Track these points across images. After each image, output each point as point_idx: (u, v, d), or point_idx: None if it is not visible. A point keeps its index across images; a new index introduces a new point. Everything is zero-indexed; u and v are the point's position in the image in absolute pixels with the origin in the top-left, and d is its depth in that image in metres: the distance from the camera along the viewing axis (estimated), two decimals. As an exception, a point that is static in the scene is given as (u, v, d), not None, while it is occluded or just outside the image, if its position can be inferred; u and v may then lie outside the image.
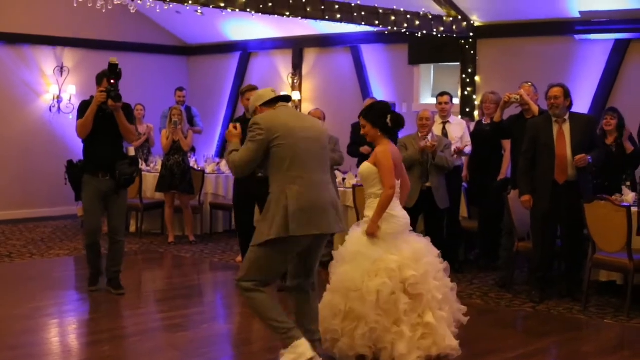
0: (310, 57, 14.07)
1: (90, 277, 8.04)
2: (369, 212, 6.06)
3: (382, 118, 6.11)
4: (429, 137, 8.85)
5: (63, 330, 7.11)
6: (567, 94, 7.82)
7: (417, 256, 6.01)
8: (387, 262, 5.85)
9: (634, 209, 7.49)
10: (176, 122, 11.05)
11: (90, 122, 7.60)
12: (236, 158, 5.39)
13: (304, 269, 5.61)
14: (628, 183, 8.59)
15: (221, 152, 14.63)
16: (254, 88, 8.51)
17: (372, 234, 5.91)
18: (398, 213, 6.10)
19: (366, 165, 6.15)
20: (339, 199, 5.72)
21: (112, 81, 7.54)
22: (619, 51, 10.54)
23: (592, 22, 10.55)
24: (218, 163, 12.39)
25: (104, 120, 7.64)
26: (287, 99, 5.78)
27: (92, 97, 7.77)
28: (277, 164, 5.31)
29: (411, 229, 6.37)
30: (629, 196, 8.11)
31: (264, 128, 5.29)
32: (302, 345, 5.30)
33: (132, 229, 12.06)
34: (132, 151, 8.08)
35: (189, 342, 6.63)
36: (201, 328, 7.19)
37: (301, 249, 5.41)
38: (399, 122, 6.17)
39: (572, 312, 7.57)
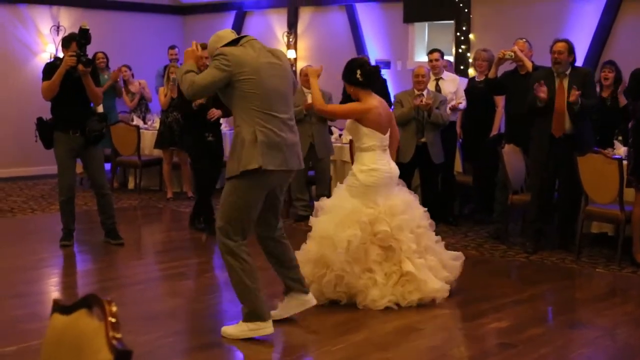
0: (305, 15, 14.13)
1: (64, 234, 8.14)
2: (355, 165, 6.32)
3: (353, 74, 6.25)
4: (424, 93, 8.98)
5: (68, 280, 7.28)
6: (571, 50, 7.90)
7: (392, 211, 6.22)
8: (361, 215, 6.11)
9: (625, 162, 7.64)
10: (174, 79, 11.11)
11: (57, 85, 7.63)
12: (195, 78, 5.26)
13: (272, 213, 5.56)
14: (620, 137, 8.73)
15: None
16: (206, 46, 8.72)
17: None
18: (380, 167, 6.24)
19: (349, 122, 6.37)
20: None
21: (83, 47, 7.57)
22: (612, 8, 10.62)
23: (585, -21, 10.63)
24: (214, 120, 12.46)
25: (72, 82, 7.66)
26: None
27: (56, 59, 7.83)
28: (245, 101, 5.24)
29: (402, 182, 6.56)
30: (621, 149, 8.26)
31: (231, 61, 5.20)
32: (269, 323, 5.36)
33: (131, 185, 12.20)
34: (100, 108, 8.17)
35: (192, 290, 6.80)
36: (203, 277, 7.37)
37: (270, 189, 5.39)
38: (369, 75, 6.28)
39: (564, 262, 7.75)
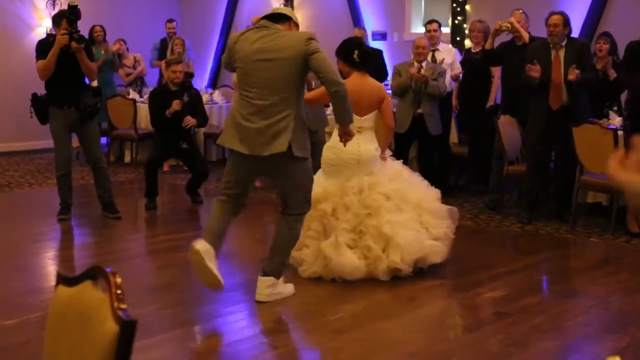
0: (301, -14, 14.10)
1: (61, 207, 8.17)
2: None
3: (350, 54, 6.31)
4: (424, 64, 9.00)
5: (66, 253, 7.34)
6: (566, 22, 7.93)
7: (342, 192, 6.28)
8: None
9: (620, 132, 7.69)
10: (180, 52, 11.12)
11: (53, 64, 7.63)
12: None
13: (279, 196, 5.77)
14: (615, 108, 8.77)
15: (213, 83, 14.74)
16: (180, 60, 9.16)
17: None
18: (347, 148, 6.07)
19: None
20: (291, 128, 5.38)
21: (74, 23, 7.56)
22: (609, -22, 10.63)
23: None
24: (211, 94, 12.49)
25: (66, 58, 7.65)
26: (276, 17, 5.60)
27: (49, 36, 7.84)
28: (237, 82, 5.66)
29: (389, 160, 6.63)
30: (616, 120, 8.31)
31: (229, 45, 5.57)
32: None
33: (127, 159, 12.22)
34: (95, 82, 8.19)
35: (189, 262, 6.84)
36: (201, 249, 7.41)
37: (244, 169, 5.55)
38: (366, 57, 6.35)
39: (559, 232, 7.83)
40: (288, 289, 5.78)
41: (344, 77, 6.25)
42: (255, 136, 5.36)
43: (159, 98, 8.91)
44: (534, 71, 7.76)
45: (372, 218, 6.19)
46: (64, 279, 2.23)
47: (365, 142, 6.38)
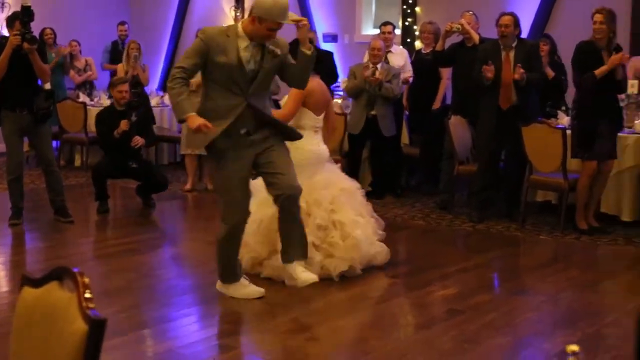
0: (251, -10, 14.08)
1: (13, 212, 8.08)
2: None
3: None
4: (379, 66, 9.09)
5: (19, 258, 7.26)
6: (516, 23, 8.11)
7: (313, 187, 6.28)
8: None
9: (569, 132, 7.84)
10: (136, 55, 11.07)
11: (5, 66, 7.56)
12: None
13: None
14: (563, 107, 8.93)
15: (163, 86, 14.66)
16: (125, 80, 9.11)
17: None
18: (310, 147, 6.31)
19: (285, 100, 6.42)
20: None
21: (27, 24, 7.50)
22: (556, -20, 10.81)
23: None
24: (162, 96, 12.46)
25: (18, 59, 7.59)
26: None
27: (1, 38, 7.79)
28: (214, 81, 5.39)
29: (332, 161, 6.70)
30: (564, 119, 8.47)
31: (204, 39, 5.33)
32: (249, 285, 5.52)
33: (78, 163, 12.13)
34: (47, 85, 8.13)
35: (144, 265, 6.85)
36: (154, 252, 7.41)
37: (243, 161, 5.49)
38: (318, 59, 6.42)
39: (509, 230, 7.96)
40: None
41: None
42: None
43: (106, 119, 8.82)
44: (489, 71, 7.89)
45: (336, 214, 6.28)
46: (28, 280, 2.25)
47: (322, 141, 6.49)
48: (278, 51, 5.39)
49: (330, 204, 6.32)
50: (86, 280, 2.01)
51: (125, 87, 8.93)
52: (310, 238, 5.98)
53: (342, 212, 6.32)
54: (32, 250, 7.69)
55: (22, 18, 7.52)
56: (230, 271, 5.69)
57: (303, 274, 5.66)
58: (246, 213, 5.57)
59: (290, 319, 5.36)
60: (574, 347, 1.85)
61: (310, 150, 6.34)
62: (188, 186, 10.02)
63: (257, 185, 6.03)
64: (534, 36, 10.59)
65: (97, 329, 1.93)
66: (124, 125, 8.63)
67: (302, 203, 6.07)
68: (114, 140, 8.66)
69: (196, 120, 5.22)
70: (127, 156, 8.76)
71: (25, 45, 7.49)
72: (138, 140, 8.73)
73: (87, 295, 1.98)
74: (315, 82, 6.34)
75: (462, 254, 7.37)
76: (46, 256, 7.24)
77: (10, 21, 7.74)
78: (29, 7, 7.52)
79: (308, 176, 6.29)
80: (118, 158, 8.76)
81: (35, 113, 7.77)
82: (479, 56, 8.15)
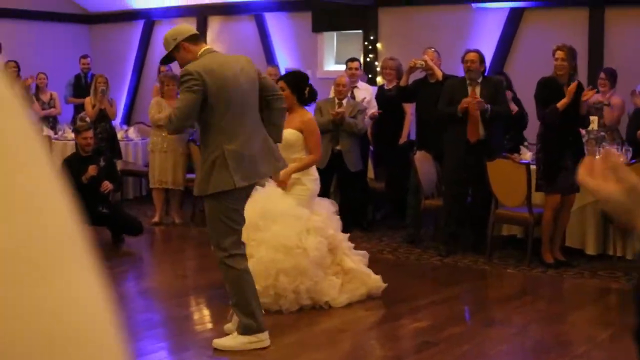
0: (214, 25, 14.18)
1: None
2: (303, 175, 6.49)
3: (302, 88, 6.47)
4: (344, 102, 9.19)
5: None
6: (482, 60, 8.30)
7: (328, 214, 6.59)
8: (314, 222, 6.39)
9: (533, 166, 7.98)
10: (103, 89, 11.03)
11: None
12: (175, 112, 5.18)
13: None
14: (526, 143, 9.09)
15: (127, 120, 14.66)
16: (89, 127, 9.07)
17: (283, 182, 6.31)
18: (317, 177, 6.60)
19: (292, 132, 6.32)
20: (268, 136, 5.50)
21: None
22: (514, 19, 11.03)
23: (488, -9, 11.02)
24: (126, 130, 12.43)
25: None
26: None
27: None
28: (213, 116, 5.12)
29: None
30: (527, 154, 8.61)
31: (198, 78, 5.02)
32: (265, 335, 5.40)
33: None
34: None
35: (115, 299, 6.78)
36: (126, 285, 7.42)
37: (247, 196, 5.44)
38: (313, 96, 6.63)
39: (477, 264, 8.05)
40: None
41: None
42: (260, 157, 5.32)
43: (73, 165, 8.64)
44: (466, 103, 8.02)
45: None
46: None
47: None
48: None
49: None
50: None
51: (90, 133, 8.86)
52: (350, 265, 6.54)
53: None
54: None
55: None
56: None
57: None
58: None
59: (266, 352, 5.36)
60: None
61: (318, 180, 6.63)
62: (156, 219, 10.00)
63: (276, 214, 6.22)
64: (493, 73, 10.77)
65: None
66: (92, 170, 8.50)
67: (332, 231, 6.50)
68: (82, 185, 8.49)
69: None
70: (96, 201, 8.60)
71: None
72: (107, 185, 8.62)
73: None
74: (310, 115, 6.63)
75: (432, 287, 7.44)
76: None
77: None
78: None
79: (319, 205, 6.65)
80: (87, 204, 8.61)
81: None
82: (444, 91, 8.30)
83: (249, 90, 5.30)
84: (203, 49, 5.27)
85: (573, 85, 7.68)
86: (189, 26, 5.58)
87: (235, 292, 5.30)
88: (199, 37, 5.40)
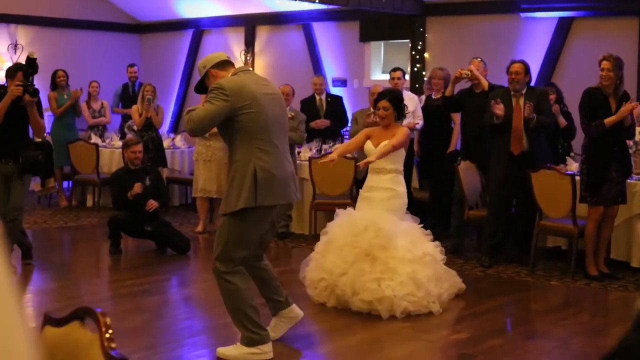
0: (262, 34, 14.28)
1: (22, 251, 7.98)
2: (398, 187, 6.85)
3: (402, 106, 6.85)
4: (287, 109, 9.14)
5: (36, 299, 7.29)
6: (527, 71, 8.19)
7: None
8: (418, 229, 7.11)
9: (578, 178, 7.88)
10: (150, 99, 11.15)
11: (2, 116, 7.43)
12: (194, 115, 5.11)
13: (261, 242, 5.54)
14: (572, 154, 8.99)
15: (175, 128, 14.81)
16: (139, 141, 9.12)
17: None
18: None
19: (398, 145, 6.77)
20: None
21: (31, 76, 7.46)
22: (563, 29, 10.92)
23: (537, 1, 10.91)
24: (173, 138, 12.56)
25: (14, 111, 7.48)
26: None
27: (1, 87, 7.72)
28: (245, 133, 5.12)
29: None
30: (573, 165, 8.51)
31: (229, 94, 5.05)
32: (269, 347, 5.37)
33: (89, 203, 12.18)
34: (38, 138, 8.03)
35: (158, 305, 6.87)
36: (167, 293, 7.47)
37: (270, 219, 5.39)
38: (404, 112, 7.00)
39: (520, 275, 7.96)
40: None
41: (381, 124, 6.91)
42: (291, 180, 5.37)
43: (121, 179, 8.80)
44: (498, 109, 7.95)
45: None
46: (50, 320, 2.28)
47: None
48: None
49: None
50: (108, 320, 2.04)
51: (139, 147, 8.96)
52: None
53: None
54: (45, 290, 7.69)
55: (26, 69, 7.49)
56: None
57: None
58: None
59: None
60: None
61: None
62: (199, 228, 10.09)
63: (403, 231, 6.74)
64: (541, 84, 10.68)
65: (119, 369, 1.94)
66: (137, 188, 8.57)
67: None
68: (127, 200, 8.61)
69: None
70: (142, 218, 8.69)
71: (27, 97, 7.39)
72: (152, 204, 8.67)
73: (109, 335, 2.01)
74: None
75: (474, 298, 7.36)
76: (57, 297, 7.27)
77: (11, 72, 7.61)
78: (35, 59, 7.48)
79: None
80: (133, 217, 8.73)
81: (22, 162, 7.59)
82: (488, 102, 8.23)
83: (281, 112, 5.40)
84: (237, 69, 5.39)
85: (627, 107, 7.53)
86: (219, 53, 5.54)
87: (233, 306, 5.31)
88: (227, 62, 5.42)
